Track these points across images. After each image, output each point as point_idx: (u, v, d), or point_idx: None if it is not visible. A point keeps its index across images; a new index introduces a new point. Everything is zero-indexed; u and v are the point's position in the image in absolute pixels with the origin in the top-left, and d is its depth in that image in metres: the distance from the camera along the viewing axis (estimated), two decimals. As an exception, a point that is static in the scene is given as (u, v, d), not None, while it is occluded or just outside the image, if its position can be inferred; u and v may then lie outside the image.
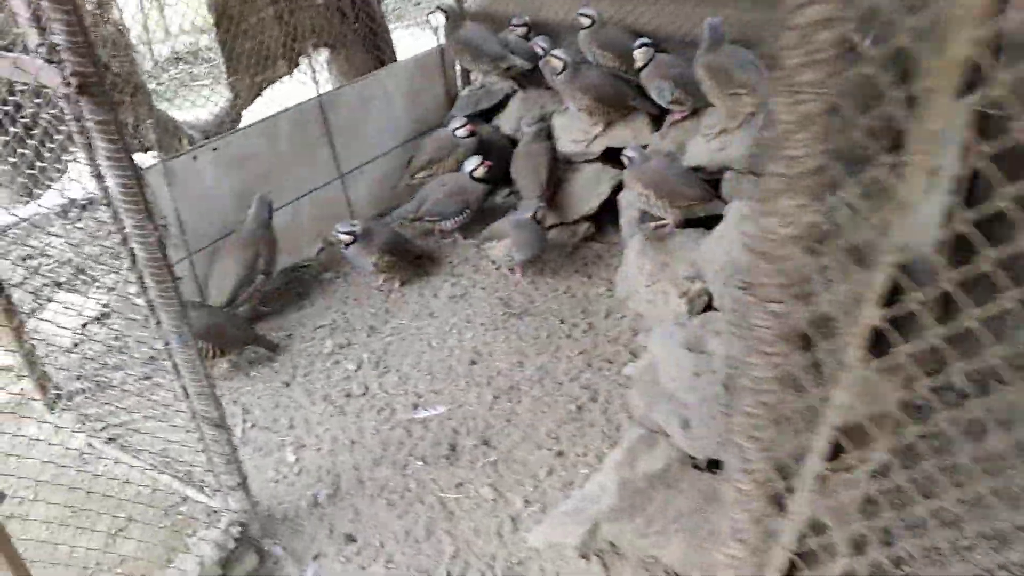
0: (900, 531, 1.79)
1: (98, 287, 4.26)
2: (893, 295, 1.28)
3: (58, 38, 1.93)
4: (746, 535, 1.56)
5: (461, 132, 4.85)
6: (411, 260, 4.63)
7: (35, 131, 2.57)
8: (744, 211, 3.51)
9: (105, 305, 4.14)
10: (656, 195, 3.84)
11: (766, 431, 1.44)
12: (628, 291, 4.10)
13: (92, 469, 3.32)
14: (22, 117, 2.54)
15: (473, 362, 3.93)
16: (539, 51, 4.71)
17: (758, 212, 1.23)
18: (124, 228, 2.29)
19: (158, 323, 2.48)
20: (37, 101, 2.44)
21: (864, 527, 1.71)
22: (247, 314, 4.28)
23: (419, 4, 8.60)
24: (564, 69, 4.47)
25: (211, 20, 4.58)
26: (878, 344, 1.55)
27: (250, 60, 4.47)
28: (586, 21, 4.57)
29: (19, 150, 2.59)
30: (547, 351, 3.96)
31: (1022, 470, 1.28)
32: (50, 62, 1.97)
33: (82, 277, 4.50)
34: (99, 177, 2.19)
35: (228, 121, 4.54)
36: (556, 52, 4.52)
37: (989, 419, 1.25)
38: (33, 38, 1.98)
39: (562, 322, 4.16)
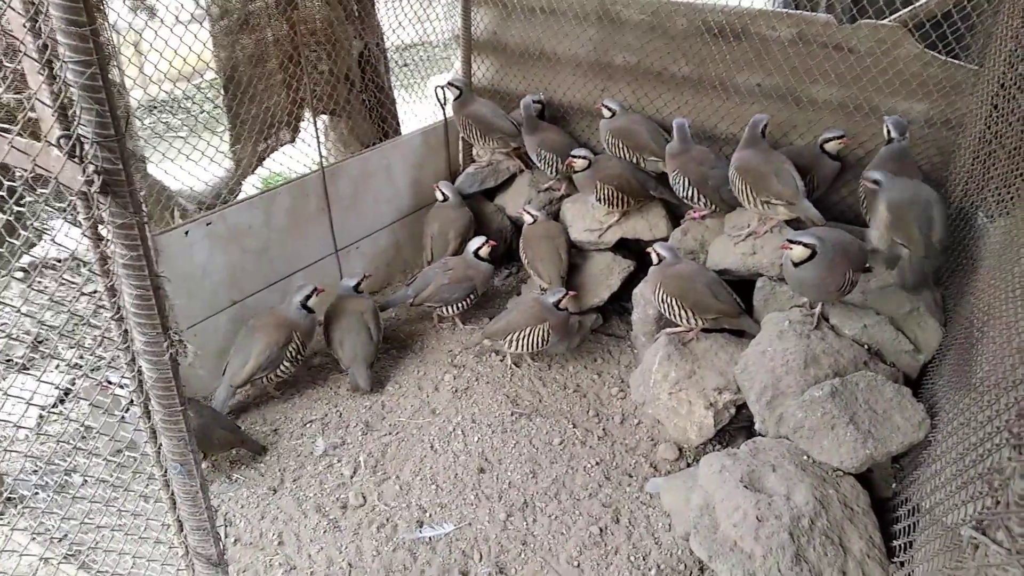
0: None
1: (58, 366, 3.81)
2: None
3: (86, 130, 1.62)
4: None
5: (312, 303, 4.11)
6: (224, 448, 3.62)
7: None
8: (783, 325, 3.32)
9: (68, 387, 3.69)
10: (680, 304, 3.62)
11: None
12: (646, 396, 3.84)
13: (47, 591, 2.86)
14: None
15: (482, 470, 3.60)
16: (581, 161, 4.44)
17: None
18: (132, 344, 1.94)
19: (158, 449, 2.11)
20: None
21: None
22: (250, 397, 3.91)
23: (407, 66, 8.44)
24: (589, 166, 4.31)
25: (200, 67, 4.27)
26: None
27: (254, 127, 4.16)
28: (607, 112, 4.42)
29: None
30: (561, 460, 3.66)
31: None
32: (72, 157, 1.65)
33: (40, 350, 4.05)
34: (112, 290, 1.85)
35: (226, 191, 4.20)
36: (578, 152, 4.37)
37: None
38: (54, 128, 1.66)
39: (575, 426, 3.87)
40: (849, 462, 2.72)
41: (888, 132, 3.58)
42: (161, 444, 2.12)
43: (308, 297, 4.01)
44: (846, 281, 3.05)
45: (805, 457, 2.82)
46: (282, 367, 3.89)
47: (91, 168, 1.67)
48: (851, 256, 3.10)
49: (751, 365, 3.21)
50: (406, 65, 5.95)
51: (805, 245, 3.03)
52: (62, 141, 1.64)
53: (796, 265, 3.11)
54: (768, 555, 2.44)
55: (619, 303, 4.70)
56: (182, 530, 2.28)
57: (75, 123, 1.61)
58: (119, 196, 1.73)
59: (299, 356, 3.96)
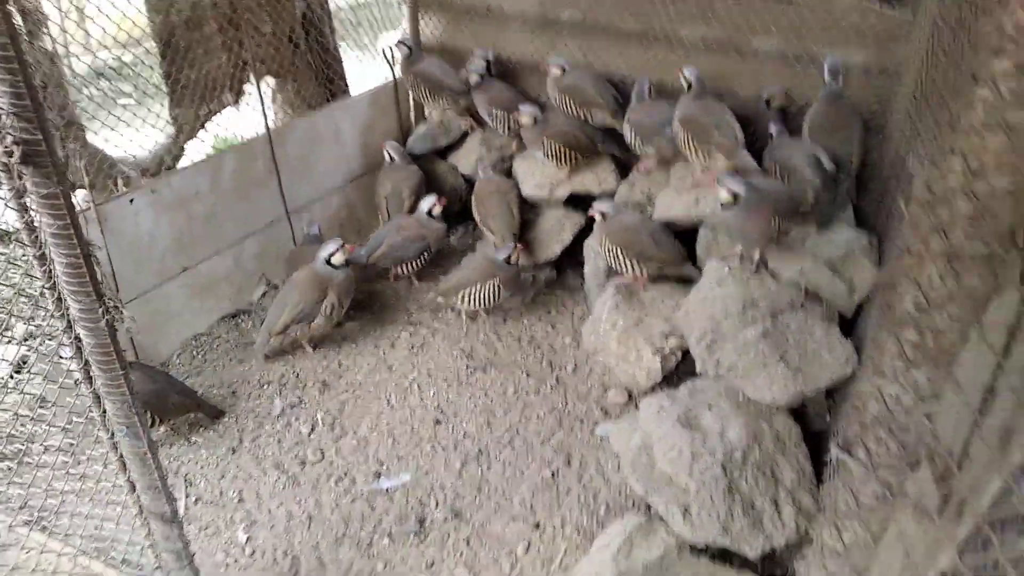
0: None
1: (9, 338, 3.81)
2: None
3: (1, 102, 1.63)
4: None
5: (336, 259, 4.09)
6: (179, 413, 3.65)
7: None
8: (723, 272, 3.42)
9: (22, 360, 3.70)
10: (625, 254, 3.71)
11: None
12: (597, 345, 3.95)
13: (12, 558, 2.92)
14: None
15: (437, 422, 3.70)
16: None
17: (881, 378, 1.07)
18: (68, 310, 1.98)
19: (104, 413, 2.16)
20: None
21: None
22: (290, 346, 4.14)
23: (360, 25, 8.31)
24: (534, 122, 4.34)
25: (136, 33, 4.20)
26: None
27: (195, 91, 4.11)
28: (556, 71, 4.44)
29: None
30: (515, 409, 3.77)
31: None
32: (-12, 129, 1.66)
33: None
34: (41, 258, 1.88)
35: (169, 157, 4.17)
36: (524, 108, 4.38)
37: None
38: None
39: (529, 376, 3.98)
40: (781, 398, 2.85)
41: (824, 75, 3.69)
42: (105, 408, 2.18)
43: (332, 254, 4.03)
44: (771, 228, 3.16)
45: (740, 396, 2.96)
46: (315, 322, 3.98)
47: (9, 139, 1.68)
48: (778, 203, 3.20)
49: (692, 311, 3.32)
50: (360, 24, 5.88)
51: (730, 190, 3.13)
52: (-26, 114, 1.65)
53: (724, 208, 3.22)
54: (701, 488, 2.57)
55: (573, 256, 4.78)
56: (134, 490, 2.34)
57: (-14, 94, 1.62)
58: (41, 167, 1.76)
59: (334, 313, 4.03)
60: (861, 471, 1.14)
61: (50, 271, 1.96)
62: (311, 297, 3.95)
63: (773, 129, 3.78)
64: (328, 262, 4.03)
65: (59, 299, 1.97)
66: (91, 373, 2.11)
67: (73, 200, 1.79)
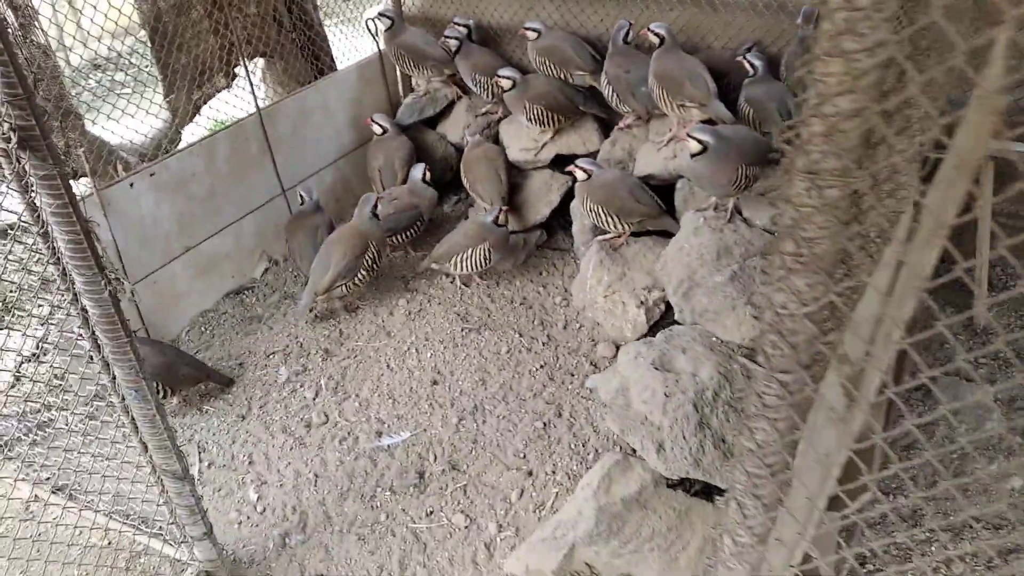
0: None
1: (32, 320, 4.00)
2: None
3: (-6, 92, 1.78)
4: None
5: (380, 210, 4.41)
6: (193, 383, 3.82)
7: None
8: (698, 222, 3.55)
9: (41, 340, 3.90)
10: (606, 210, 3.84)
11: (766, 488, 1.45)
12: (585, 301, 4.11)
13: (40, 521, 3.14)
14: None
15: (435, 382, 3.88)
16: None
17: (770, 287, 1.22)
18: (74, 284, 2.15)
19: (113, 379, 2.35)
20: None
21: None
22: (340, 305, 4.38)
23: (347, 1, 8.39)
24: (513, 86, 4.44)
25: (131, 23, 4.34)
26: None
27: (187, 76, 4.25)
28: (532, 35, 4.53)
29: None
30: (509, 366, 3.94)
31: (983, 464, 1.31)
32: (-16, 118, 1.82)
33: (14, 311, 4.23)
34: (45, 235, 2.04)
35: (166, 141, 4.32)
36: (503, 72, 4.48)
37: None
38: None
39: (521, 335, 4.14)
40: (749, 336, 3.00)
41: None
42: (115, 375, 2.36)
43: (375, 207, 4.30)
44: (739, 176, 3.27)
45: (713, 338, 3.11)
46: (359, 276, 4.21)
47: (5, 126, 1.84)
48: (746, 151, 3.31)
49: (670, 261, 3.46)
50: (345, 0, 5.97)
51: (699, 140, 3.24)
52: (-29, 104, 1.81)
53: (693, 158, 3.34)
54: (674, 425, 2.74)
55: (563, 217, 4.91)
56: (147, 450, 2.54)
57: (-20, 85, 1.77)
58: (37, 150, 1.91)
59: (375, 265, 4.29)
60: (763, 373, 1.28)
61: (54, 248, 2.13)
62: (355, 252, 4.17)
63: (757, 65, 3.81)
64: (373, 214, 4.27)
65: (64, 273, 2.14)
66: (99, 342, 2.29)
67: (70, 181, 1.95)
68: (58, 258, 2.12)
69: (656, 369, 2.91)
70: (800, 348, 1.24)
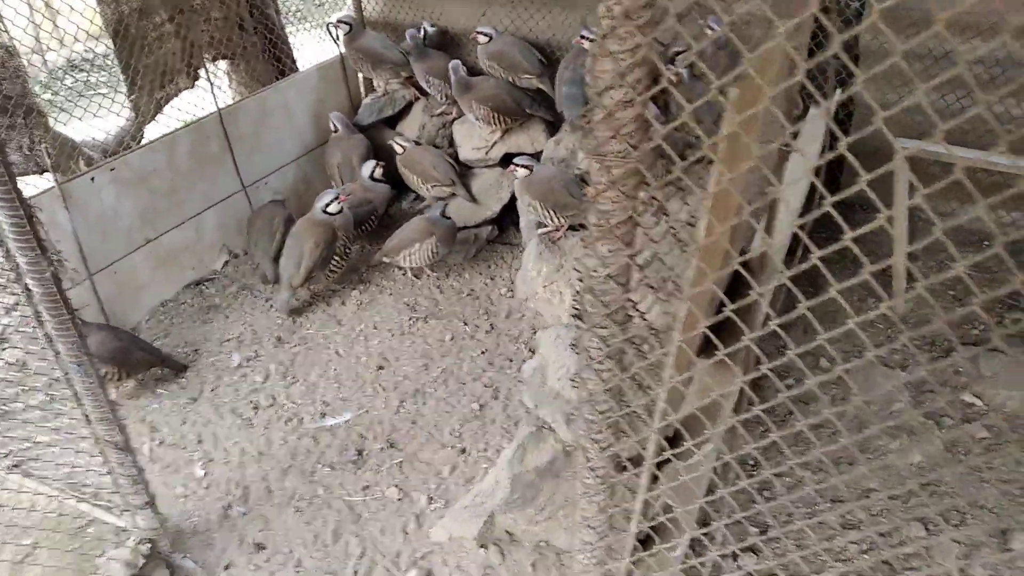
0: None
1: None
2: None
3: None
4: (595, 523, 1.80)
5: (333, 208, 4.50)
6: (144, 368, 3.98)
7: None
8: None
9: (4, 327, 4.08)
10: (543, 205, 4.07)
11: (603, 434, 1.67)
12: (527, 292, 4.33)
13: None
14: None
15: (380, 367, 4.09)
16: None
17: (582, 254, 1.44)
18: (17, 265, 2.34)
19: (57, 354, 2.54)
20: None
21: (705, 503, 1.98)
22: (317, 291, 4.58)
23: (322, 5, 8.61)
24: (490, 40, 4.74)
25: (93, 30, 4.54)
26: (706, 348, 1.81)
27: (150, 76, 4.45)
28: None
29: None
30: (452, 353, 4.15)
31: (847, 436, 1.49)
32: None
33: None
34: (-11, 220, 2.24)
35: (129, 139, 4.52)
36: (481, 28, 4.77)
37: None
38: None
39: (466, 324, 4.36)
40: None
41: None
42: (58, 350, 2.56)
43: (329, 204, 4.47)
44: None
45: (630, 324, 3.33)
46: (333, 262, 4.43)
47: (-52, 118, 2.04)
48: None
49: (597, 253, 3.68)
50: (321, 4, 6.18)
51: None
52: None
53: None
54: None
55: (513, 214, 5.13)
56: (90, 422, 2.73)
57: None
58: (-22, 140, 2.11)
59: (347, 250, 4.51)
60: (584, 329, 1.51)
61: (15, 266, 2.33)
62: (326, 239, 4.37)
63: None
64: (325, 211, 4.45)
65: (7, 253, 2.34)
66: (42, 319, 2.48)
67: (35, 176, 2.15)
68: (1, 240, 2.32)
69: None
70: (611, 305, 1.46)
